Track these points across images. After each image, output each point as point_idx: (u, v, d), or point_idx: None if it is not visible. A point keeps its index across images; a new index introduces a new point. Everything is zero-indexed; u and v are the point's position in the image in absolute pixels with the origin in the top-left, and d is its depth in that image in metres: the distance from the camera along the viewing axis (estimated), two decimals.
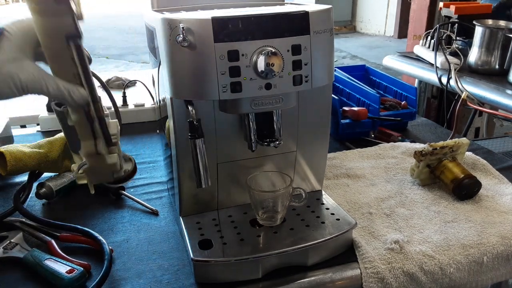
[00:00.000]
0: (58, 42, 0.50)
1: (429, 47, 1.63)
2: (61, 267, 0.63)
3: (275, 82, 0.60)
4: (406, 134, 1.14)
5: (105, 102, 1.14)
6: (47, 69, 0.53)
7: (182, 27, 0.56)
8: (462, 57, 1.53)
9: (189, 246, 0.66)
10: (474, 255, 0.69)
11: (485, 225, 0.74)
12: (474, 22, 1.46)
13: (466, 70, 1.50)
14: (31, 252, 0.67)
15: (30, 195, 0.84)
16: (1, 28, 0.50)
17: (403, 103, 1.19)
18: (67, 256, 0.67)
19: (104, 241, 0.69)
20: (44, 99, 1.16)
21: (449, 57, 1.51)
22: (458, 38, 1.62)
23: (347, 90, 1.24)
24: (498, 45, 1.41)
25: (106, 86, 1.14)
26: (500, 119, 1.70)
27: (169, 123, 0.69)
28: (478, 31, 1.44)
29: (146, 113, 1.22)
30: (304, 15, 0.60)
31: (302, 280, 0.65)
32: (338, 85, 1.27)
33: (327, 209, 0.75)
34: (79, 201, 0.85)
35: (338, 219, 0.72)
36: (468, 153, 0.95)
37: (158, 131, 1.02)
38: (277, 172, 0.74)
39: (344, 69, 1.36)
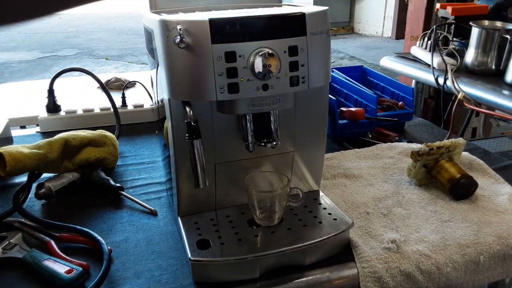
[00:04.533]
0: None
1: (426, 48, 1.64)
2: (60, 267, 0.64)
3: (272, 83, 0.60)
4: (403, 134, 1.14)
5: (105, 103, 1.15)
6: None
7: (180, 29, 0.56)
8: (458, 57, 1.54)
9: (187, 246, 0.66)
10: (470, 254, 0.69)
11: (481, 224, 0.75)
12: (471, 23, 1.47)
13: (463, 71, 1.51)
14: (30, 253, 0.67)
15: (30, 195, 0.84)
16: None
17: (400, 103, 1.20)
18: (66, 256, 0.67)
19: (103, 241, 0.70)
20: (43, 100, 1.17)
21: (446, 58, 1.52)
22: (454, 39, 1.63)
23: (345, 90, 1.24)
24: (494, 45, 1.42)
25: (105, 87, 1.15)
26: (496, 119, 1.71)
27: (167, 124, 0.69)
28: (475, 32, 1.45)
29: (145, 114, 1.22)
30: (301, 17, 0.61)
31: (299, 280, 0.66)
32: (335, 85, 1.28)
33: (325, 209, 0.76)
34: (78, 201, 0.85)
35: (335, 219, 0.72)
36: (465, 153, 0.95)
37: (156, 131, 1.02)
38: (274, 172, 0.74)
39: (342, 70, 1.37)
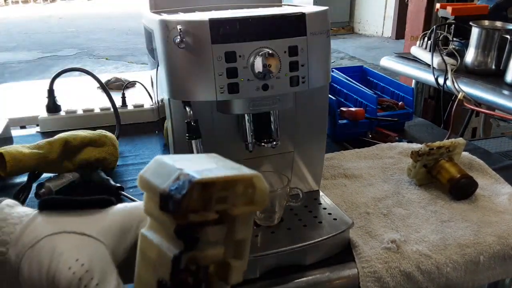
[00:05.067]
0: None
1: (426, 48, 1.64)
2: None
3: (272, 83, 0.60)
4: (403, 134, 1.14)
5: (105, 103, 1.15)
6: None
7: (180, 29, 0.56)
8: (458, 57, 1.54)
9: None
10: (470, 254, 0.69)
11: (481, 224, 0.75)
12: (471, 23, 1.47)
13: (463, 71, 1.51)
14: None
15: (30, 195, 0.84)
16: None
17: (400, 103, 1.20)
18: None
19: None
20: (43, 100, 1.17)
21: (446, 58, 1.52)
22: (454, 39, 1.63)
23: (345, 90, 1.24)
24: (494, 45, 1.42)
25: (105, 87, 1.15)
26: (496, 119, 1.71)
27: (167, 124, 0.69)
28: (475, 32, 1.45)
29: (145, 114, 1.22)
30: (301, 17, 0.61)
31: (299, 280, 0.65)
32: (335, 85, 1.28)
33: (325, 209, 0.76)
34: None
35: (335, 219, 0.72)
36: (465, 153, 0.95)
37: (157, 131, 1.02)
38: (274, 172, 0.74)
39: (342, 70, 1.37)
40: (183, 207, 0.32)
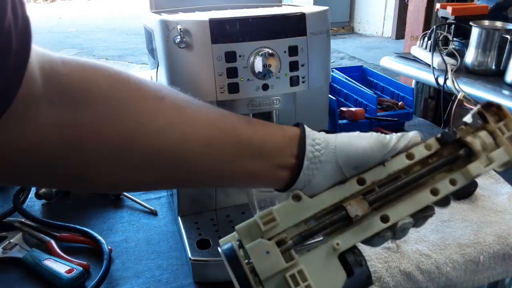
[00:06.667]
0: None
1: (426, 48, 1.64)
2: (60, 267, 0.64)
3: (272, 83, 0.60)
4: None
5: None
6: None
7: (180, 29, 0.56)
8: (458, 58, 1.54)
9: (187, 246, 0.66)
10: (470, 254, 0.69)
11: (481, 224, 0.75)
12: (471, 23, 1.47)
13: (463, 71, 1.51)
14: (30, 252, 0.68)
15: (30, 195, 0.84)
16: None
17: (400, 103, 1.20)
18: (66, 256, 0.67)
19: (103, 241, 0.70)
20: None
21: (446, 58, 1.52)
22: (455, 39, 1.63)
23: (345, 90, 1.24)
24: (494, 45, 1.42)
25: None
26: None
27: None
28: (475, 32, 1.45)
29: None
30: (301, 17, 0.61)
31: None
32: (335, 85, 1.28)
33: None
34: (78, 201, 0.85)
35: None
36: None
37: None
38: None
39: (342, 70, 1.37)
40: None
